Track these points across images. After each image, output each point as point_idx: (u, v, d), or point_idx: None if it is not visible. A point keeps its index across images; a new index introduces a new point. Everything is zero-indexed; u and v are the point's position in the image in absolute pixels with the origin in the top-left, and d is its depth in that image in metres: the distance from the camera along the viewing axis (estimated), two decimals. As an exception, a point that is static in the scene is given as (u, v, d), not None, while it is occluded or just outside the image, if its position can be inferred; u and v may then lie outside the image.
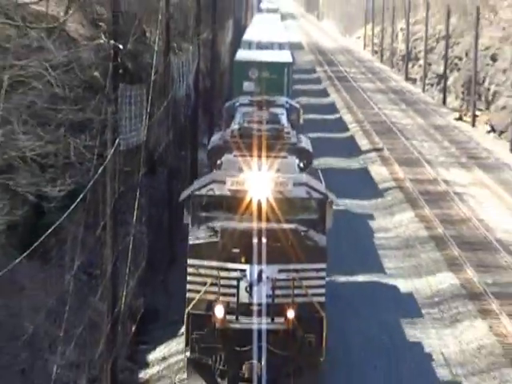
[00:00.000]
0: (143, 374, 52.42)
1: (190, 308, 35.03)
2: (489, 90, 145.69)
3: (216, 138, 61.88)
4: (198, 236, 35.18)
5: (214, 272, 34.12)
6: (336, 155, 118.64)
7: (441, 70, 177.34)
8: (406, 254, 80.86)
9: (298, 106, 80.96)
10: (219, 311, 33.18)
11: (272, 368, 33.11)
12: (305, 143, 63.28)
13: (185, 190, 41.19)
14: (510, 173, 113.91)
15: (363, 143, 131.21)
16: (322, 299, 35.10)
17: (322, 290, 35.23)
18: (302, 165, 51.92)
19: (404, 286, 72.03)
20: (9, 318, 46.22)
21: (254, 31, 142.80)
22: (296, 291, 33.74)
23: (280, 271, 34.36)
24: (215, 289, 33.81)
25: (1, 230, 48.80)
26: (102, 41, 66.38)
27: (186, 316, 35.91)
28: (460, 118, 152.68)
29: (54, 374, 43.36)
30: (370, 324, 56.37)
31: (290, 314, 33.37)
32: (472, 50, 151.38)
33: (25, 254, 42.80)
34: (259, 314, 33.99)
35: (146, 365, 52.62)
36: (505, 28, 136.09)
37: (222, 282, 33.78)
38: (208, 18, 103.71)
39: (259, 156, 48.56)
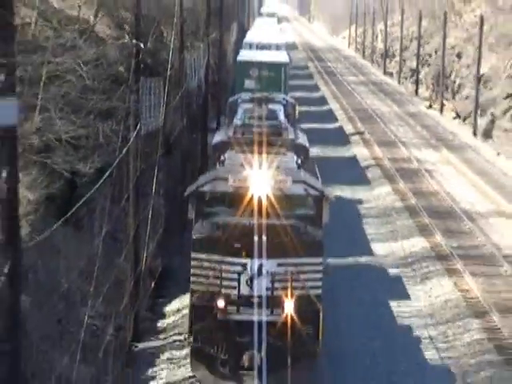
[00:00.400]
0: (161, 324, 52.55)
1: (193, 299, 34.13)
2: (454, 82, 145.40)
3: (220, 134, 58.64)
4: (201, 231, 33.82)
5: (217, 265, 32.96)
6: (327, 138, 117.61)
7: (414, 65, 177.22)
8: (383, 222, 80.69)
9: (293, 101, 76.61)
10: (221, 303, 32.01)
11: (271, 358, 31.73)
12: (302, 139, 60.24)
13: (189, 186, 39.22)
14: (472, 153, 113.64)
15: (348, 128, 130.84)
16: (319, 291, 34.09)
17: (319, 283, 34.22)
18: (299, 161, 48.89)
19: (382, 248, 71.76)
20: (47, 276, 45.79)
21: (255, 33, 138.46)
22: (294, 284, 32.33)
23: (279, 265, 32.86)
24: (217, 281, 32.76)
25: (40, 201, 48.32)
26: (125, 40, 66.09)
27: (189, 307, 35.32)
28: (430, 106, 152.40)
29: (85, 323, 42.80)
30: (353, 281, 55.62)
31: (289, 306, 31.91)
32: (440, 49, 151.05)
33: (60, 221, 42.44)
34: (259, 305, 32.49)
35: (163, 315, 52.51)
36: (468, 30, 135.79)
37: (224, 274, 32.87)
38: (216, 21, 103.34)
39: (260, 153, 45.53)
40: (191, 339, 33.51)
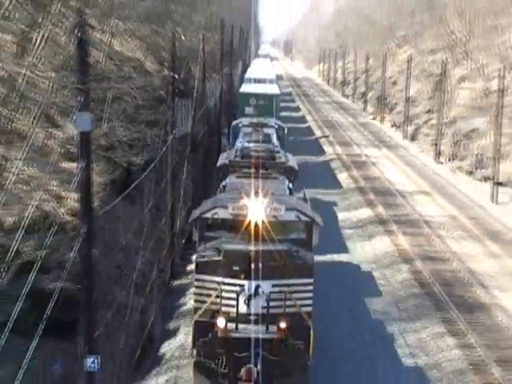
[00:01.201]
0: (189, 268, 52.11)
1: (196, 317, 30.64)
2: (390, 102, 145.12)
3: (223, 157, 53.75)
4: (203, 255, 30.91)
5: (217, 286, 29.85)
6: (303, 136, 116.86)
7: (363, 90, 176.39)
8: (342, 198, 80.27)
9: (283, 125, 72.78)
10: (221, 322, 28.73)
11: (266, 371, 28.62)
12: (291, 162, 53.48)
13: (193, 212, 35.39)
14: (402, 150, 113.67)
15: (317, 133, 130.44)
16: (309, 309, 30.68)
17: (310, 302, 30.72)
18: (290, 184, 45.94)
19: (342, 216, 71.64)
20: (111, 236, 45.61)
21: (253, 70, 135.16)
22: (287, 303, 29.18)
23: (274, 286, 29.47)
24: (218, 300, 29.60)
25: (106, 183, 48.27)
26: (165, 73, 65.58)
27: (192, 324, 31.47)
28: (374, 118, 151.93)
29: (137, 268, 42.89)
30: (322, 234, 55.57)
31: (283, 324, 28.64)
32: (381, 78, 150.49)
33: (120, 197, 42.46)
34: (256, 322, 29.45)
35: (191, 262, 52.01)
36: (400, 65, 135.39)
37: (224, 294, 29.67)
38: (227, 60, 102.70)
39: (256, 177, 42.68)
40: (194, 353, 30.34)
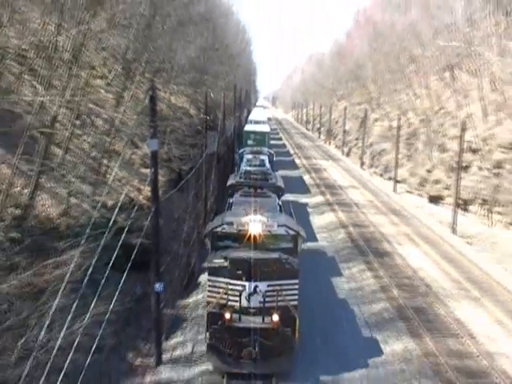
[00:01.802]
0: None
1: (209, 308, 27.27)
2: (334, 133, 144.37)
3: (231, 178, 50.10)
4: (214, 261, 27.46)
5: (225, 285, 26.86)
6: (284, 151, 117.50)
7: (318, 125, 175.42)
8: (306, 190, 79.91)
9: (272, 152, 70.58)
10: (227, 315, 26.09)
11: (262, 352, 26.38)
12: (279, 182, 48.75)
13: (206, 226, 32.05)
14: (342, 162, 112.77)
15: (291, 152, 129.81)
16: (296, 303, 27.53)
17: (296, 297, 27.57)
18: (280, 202, 40.97)
19: (306, 200, 70.92)
20: (169, 212, 45.49)
21: (253, 115, 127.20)
22: (279, 298, 26.51)
23: (268, 286, 26.74)
24: (225, 296, 26.69)
25: (166, 181, 48.08)
26: (201, 116, 65.26)
27: (205, 314, 28.00)
28: (325, 143, 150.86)
29: (185, 231, 42.69)
30: (295, 209, 55.03)
31: (275, 317, 26.23)
32: (329, 119, 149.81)
33: (174, 190, 42.13)
34: (254, 314, 26.66)
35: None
36: (340, 111, 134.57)
37: (230, 292, 26.77)
38: (238, 108, 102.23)
39: (255, 195, 39.44)
40: (208, 337, 27.19)
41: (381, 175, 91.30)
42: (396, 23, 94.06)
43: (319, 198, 73.35)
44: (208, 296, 27.89)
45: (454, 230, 55.20)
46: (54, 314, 17.50)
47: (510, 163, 51.28)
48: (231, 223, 29.06)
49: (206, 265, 33.88)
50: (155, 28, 46.77)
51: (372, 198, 73.98)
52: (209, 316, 27.30)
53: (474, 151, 57.88)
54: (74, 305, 18.49)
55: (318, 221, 61.27)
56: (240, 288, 26.80)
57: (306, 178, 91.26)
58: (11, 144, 29.72)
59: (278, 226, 29.27)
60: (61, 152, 34.89)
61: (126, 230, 24.36)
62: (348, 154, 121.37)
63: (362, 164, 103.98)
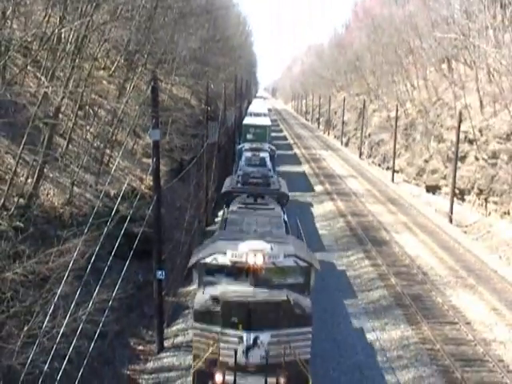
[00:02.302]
0: (216, 220, 51.51)
1: (196, 366, 20.89)
2: (333, 123, 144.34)
3: (227, 183, 40.23)
4: (201, 303, 21.12)
5: (216, 335, 20.55)
6: (283, 141, 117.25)
7: (317, 116, 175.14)
8: (305, 179, 79.98)
9: (274, 148, 63.13)
10: (219, 377, 19.88)
11: None
12: (283, 187, 39.04)
13: (193, 256, 23.73)
14: (341, 151, 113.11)
15: (291, 142, 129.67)
16: (308, 356, 21.13)
17: (308, 349, 21.29)
18: (285, 216, 32.60)
19: (307, 188, 70.99)
20: (171, 201, 45.45)
21: (253, 106, 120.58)
22: (286, 351, 20.09)
23: (272, 336, 20.18)
24: (216, 350, 20.35)
25: (168, 171, 48.06)
26: (202, 106, 65.27)
27: (191, 373, 21.37)
28: (324, 133, 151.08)
29: (186, 219, 42.66)
30: (298, 198, 54.84)
31: (282, 378, 19.90)
32: (328, 110, 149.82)
33: (176, 179, 42.21)
34: (255, 373, 20.17)
35: (218, 216, 51.54)
36: (339, 102, 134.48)
37: (222, 344, 20.42)
38: (239, 99, 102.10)
39: (255, 209, 31.67)
40: None
41: (379, 165, 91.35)
42: (394, 15, 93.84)
43: (319, 188, 73.43)
44: (194, 348, 21.77)
45: (450, 219, 55.26)
46: (57, 301, 17.58)
47: (505, 153, 51.24)
48: (224, 252, 22.03)
49: (191, 306, 29.29)
50: (157, 20, 46.60)
51: (370, 187, 74.02)
52: (195, 376, 21.21)
53: (471, 142, 57.85)
54: (78, 292, 18.58)
55: (318, 209, 61.43)
56: (236, 339, 20.65)
57: (306, 167, 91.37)
58: (15, 134, 29.76)
59: (285, 256, 22.30)
60: (64, 142, 34.91)
61: (128, 218, 24.41)
62: (347, 144, 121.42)
63: (361, 154, 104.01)
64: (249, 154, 55.78)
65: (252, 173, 43.28)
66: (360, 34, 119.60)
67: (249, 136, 76.52)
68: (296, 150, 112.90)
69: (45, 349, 16.87)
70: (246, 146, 61.92)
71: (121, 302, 25.30)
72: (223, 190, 38.33)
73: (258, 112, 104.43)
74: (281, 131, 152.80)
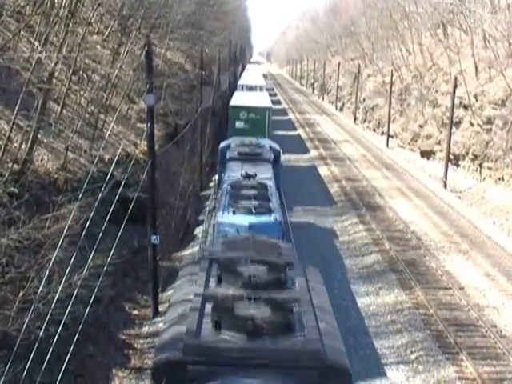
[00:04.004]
0: (211, 185, 51.34)
1: None
2: (328, 88, 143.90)
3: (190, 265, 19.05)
4: None
5: None
6: (279, 105, 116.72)
7: (312, 81, 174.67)
8: (301, 144, 79.85)
9: (278, 148, 43.47)
10: None
11: None
12: (292, 256, 18.17)
13: (154, 358, 12.83)
14: (335, 116, 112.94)
15: (285, 106, 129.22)
16: None
17: None
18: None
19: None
20: (165, 165, 45.40)
21: (246, 76, 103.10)
22: None
23: None
24: None
25: (162, 135, 47.96)
26: (197, 70, 64.99)
27: None
28: (318, 98, 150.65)
29: (181, 184, 42.64)
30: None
31: None
32: (322, 74, 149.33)
33: (170, 143, 42.13)
34: None
35: (212, 181, 51.37)
36: (333, 67, 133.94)
37: None
38: (233, 63, 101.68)
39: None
40: None
41: (373, 130, 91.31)
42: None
43: (314, 152, 73.44)
44: None
45: (444, 185, 55.31)
46: (52, 266, 17.56)
47: (500, 119, 51.18)
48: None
49: None
50: (151, -16, 46.37)
51: (365, 152, 74.01)
52: None
53: (466, 107, 57.77)
54: (73, 258, 18.55)
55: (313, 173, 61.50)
56: None
57: (301, 131, 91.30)
58: (9, 100, 29.59)
59: None
60: (58, 108, 34.72)
61: (122, 183, 24.34)
62: (341, 109, 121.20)
63: (355, 119, 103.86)
64: (235, 175, 33.25)
65: (241, 241, 18.61)
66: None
67: (239, 124, 57.29)
68: (291, 115, 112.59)
69: (40, 314, 16.88)
70: (233, 146, 41.59)
71: (116, 267, 25.30)
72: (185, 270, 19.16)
73: (253, 84, 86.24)
74: (275, 95, 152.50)
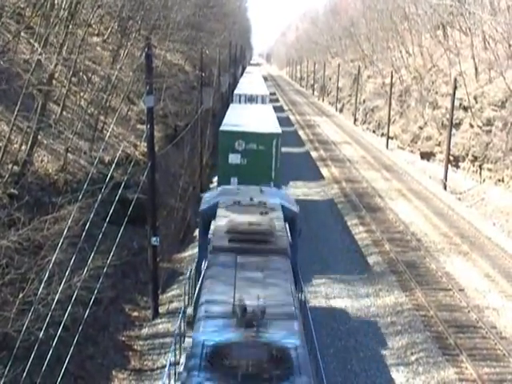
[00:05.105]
0: (212, 186, 51.28)
1: None
2: (328, 89, 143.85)
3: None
4: None
5: None
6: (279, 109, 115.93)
7: (312, 82, 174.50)
8: (301, 145, 79.77)
9: (294, 207, 23.71)
10: None
11: None
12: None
13: None
14: (335, 118, 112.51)
15: (285, 108, 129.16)
16: None
17: None
18: None
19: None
20: (165, 167, 45.43)
21: (244, 83, 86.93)
22: None
23: None
24: None
25: (162, 137, 47.96)
26: (197, 72, 64.96)
27: None
28: (318, 99, 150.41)
29: (181, 185, 42.63)
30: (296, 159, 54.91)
31: None
32: (322, 76, 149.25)
33: (170, 145, 42.02)
34: None
35: (212, 182, 51.35)
36: (333, 68, 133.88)
37: None
38: (233, 65, 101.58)
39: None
40: None
41: (373, 131, 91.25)
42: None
43: (313, 154, 73.28)
44: None
45: (444, 186, 55.30)
46: (52, 268, 17.58)
47: (500, 121, 51.17)
48: None
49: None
50: (150, -15, 46.43)
51: (365, 153, 73.97)
52: None
53: (466, 109, 57.74)
54: (73, 259, 18.57)
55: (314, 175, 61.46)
56: None
57: (301, 133, 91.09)
58: (9, 102, 29.63)
59: None
60: (58, 109, 34.78)
61: (122, 185, 24.38)
62: (341, 111, 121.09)
63: (355, 120, 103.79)
64: (221, 292, 15.79)
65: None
66: (355, 0, 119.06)
67: (233, 159, 38.63)
68: (291, 117, 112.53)
69: (40, 316, 16.90)
70: (223, 210, 22.32)
71: (115, 269, 25.37)
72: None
73: (253, 94, 69.61)
74: (274, 94, 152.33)
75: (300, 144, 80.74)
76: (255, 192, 24.68)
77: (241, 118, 44.80)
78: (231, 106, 55.85)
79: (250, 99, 66.85)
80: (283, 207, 22.92)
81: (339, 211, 48.03)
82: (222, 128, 40.34)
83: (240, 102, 65.97)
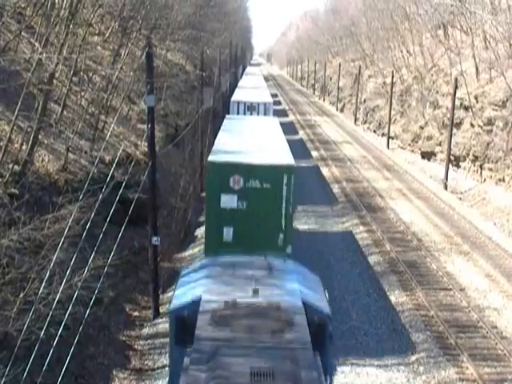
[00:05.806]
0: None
1: None
2: (328, 89, 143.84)
3: None
4: None
5: None
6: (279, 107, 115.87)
7: (312, 82, 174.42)
8: (302, 144, 79.59)
9: (326, 308, 14.59)
10: None
11: None
12: None
13: None
14: (336, 117, 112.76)
15: (286, 108, 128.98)
16: None
17: None
18: None
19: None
20: (166, 166, 45.42)
21: (242, 89, 69.91)
22: None
23: None
24: None
25: (163, 136, 47.92)
26: (197, 72, 64.92)
27: None
28: (319, 99, 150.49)
29: (181, 185, 42.58)
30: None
31: None
32: (323, 76, 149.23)
33: (171, 145, 42.10)
34: None
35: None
36: (334, 68, 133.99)
37: None
38: (234, 64, 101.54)
39: None
40: None
41: (374, 131, 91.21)
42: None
43: (314, 153, 73.21)
44: None
45: (445, 186, 55.28)
46: (53, 267, 17.55)
47: (501, 120, 51.15)
48: None
49: None
50: (151, -15, 46.42)
51: (365, 153, 73.95)
52: None
53: (467, 108, 57.72)
54: (73, 259, 18.55)
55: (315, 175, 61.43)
56: None
57: (302, 133, 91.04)
58: (10, 101, 29.61)
59: None
60: (59, 108, 34.74)
61: (123, 184, 24.36)
62: (342, 110, 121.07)
63: (356, 120, 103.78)
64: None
65: None
66: (356, 0, 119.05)
67: (226, 202, 25.63)
68: (291, 117, 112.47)
69: (41, 315, 16.88)
70: (207, 311, 13.83)
71: (116, 268, 25.31)
72: None
73: (253, 101, 58.04)
74: (276, 96, 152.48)
75: (301, 144, 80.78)
76: (260, 272, 16.61)
77: (238, 140, 32.65)
78: (226, 118, 43.30)
79: (250, 108, 56.14)
80: (308, 308, 14.39)
81: (339, 211, 48.04)
82: (211, 158, 26.96)
83: (238, 110, 56.10)
